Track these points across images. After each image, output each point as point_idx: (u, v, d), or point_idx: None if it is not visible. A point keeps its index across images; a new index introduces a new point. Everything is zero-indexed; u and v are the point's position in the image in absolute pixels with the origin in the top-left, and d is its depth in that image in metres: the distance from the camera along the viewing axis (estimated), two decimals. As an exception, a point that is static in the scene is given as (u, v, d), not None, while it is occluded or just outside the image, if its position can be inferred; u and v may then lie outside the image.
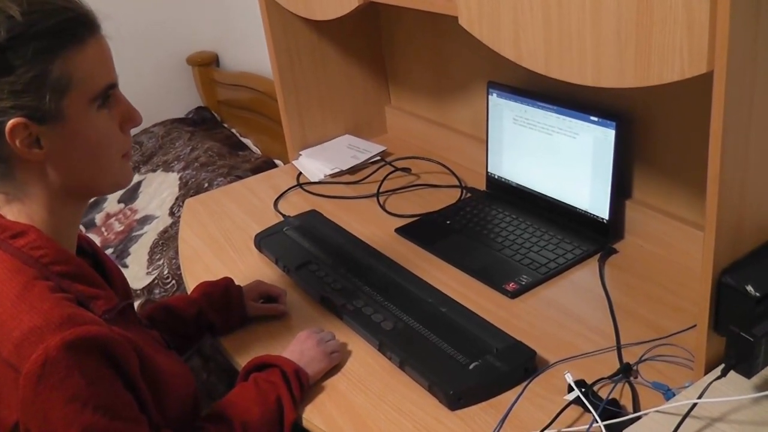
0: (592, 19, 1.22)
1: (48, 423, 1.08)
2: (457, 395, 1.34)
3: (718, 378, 1.14)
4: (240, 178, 2.80)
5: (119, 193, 3.23)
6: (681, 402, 1.14)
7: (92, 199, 3.18)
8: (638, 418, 1.20)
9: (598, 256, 1.73)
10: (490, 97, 1.98)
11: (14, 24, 1.09)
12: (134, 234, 2.93)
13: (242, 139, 3.48)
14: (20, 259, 1.16)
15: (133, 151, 3.48)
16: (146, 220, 2.99)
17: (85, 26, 1.16)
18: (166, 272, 2.53)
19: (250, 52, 3.54)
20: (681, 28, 1.08)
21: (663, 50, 1.12)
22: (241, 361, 1.54)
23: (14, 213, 1.21)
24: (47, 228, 1.21)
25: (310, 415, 1.39)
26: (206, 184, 2.92)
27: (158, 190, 3.12)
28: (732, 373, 1.14)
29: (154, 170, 3.29)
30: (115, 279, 1.37)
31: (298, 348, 1.47)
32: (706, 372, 1.23)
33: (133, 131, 3.49)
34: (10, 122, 1.11)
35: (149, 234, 2.86)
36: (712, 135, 1.08)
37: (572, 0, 1.24)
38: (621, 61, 1.20)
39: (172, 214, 2.91)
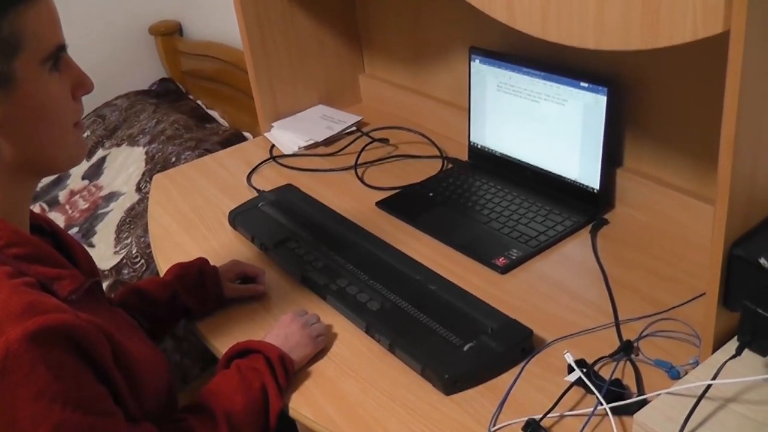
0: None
1: (15, 422, 0.99)
2: (453, 379, 1.27)
3: (733, 357, 1.08)
4: (208, 151, 2.71)
5: (83, 169, 3.13)
6: (693, 383, 1.08)
7: (54, 177, 3.09)
8: (645, 400, 1.14)
9: (589, 227, 1.67)
10: (472, 63, 1.90)
11: None
12: (100, 212, 2.83)
13: (208, 111, 3.39)
14: None
15: (96, 125, 3.37)
16: (112, 196, 2.90)
17: None
18: (134, 251, 2.45)
19: (215, 20, 3.44)
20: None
21: (673, 7, 1.04)
22: (219, 346, 1.47)
23: None
24: None
25: (296, 403, 1.32)
26: (173, 159, 2.83)
27: (124, 165, 3.03)
28: (745, 351, 1.08)
29: (118, 144, 3.19)
30: (78, 257, 1.28)
31: (282, 332, 1.40)
32: (714, 349, 1.17)
33: (95, 104, 3.40)
34: None
35: (115, 212, 2.77)
36: (727, 101, 1.00)
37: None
38: (626, 20, 1.12)
39: (139, 190, 2.82)
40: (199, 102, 3.50)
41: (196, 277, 1.57)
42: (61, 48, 1.11)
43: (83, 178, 3.11)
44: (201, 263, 1.60)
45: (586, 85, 1.63)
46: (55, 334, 1.01)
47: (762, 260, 1.09)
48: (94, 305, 1.19)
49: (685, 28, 1.04)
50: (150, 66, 3.85)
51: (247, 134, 2.93)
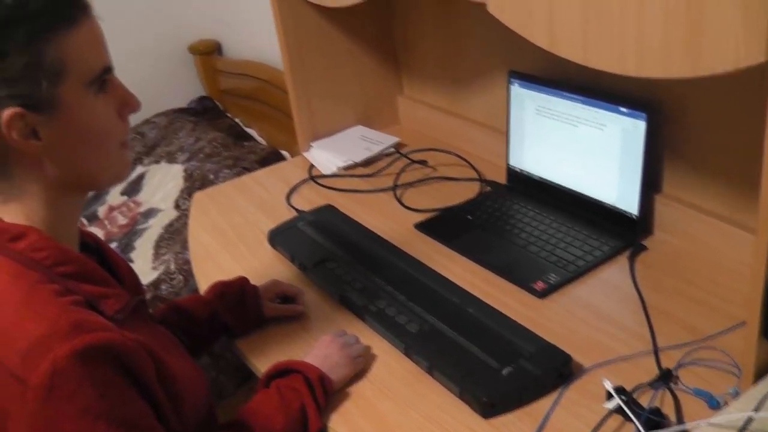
0: None
1: None
2: (491, 402, 1.28)
3: (774, 389, 1.08)
4: (246, 169, 2.74)
5: (122, 185, 3.17)
6: (734, 415, 1.08)
7: (92, 193, 3.13)
8: (685, 430, 1.14)
9: (627, 252, 1.67)
10: (511, 86, 1.91)
11: (3, 6, 1.02)
12: (138, 227, 2.86)
13: (246, 129, 3.43)
14: (22, 263, 1.09)
15: (135, 142, 3.42)
16: (150, 213, 2.93)
17: (77, 6, 1.09)
18: (172, 267, 2.47)
19: (254, 39, 3.48)
20: (734, 8, 1.01)
21: (715, 35, 1.05)
22: (259, 364, 1.48)
23: (11, 213, 1.13)
24: (47, 227, 1.14)
25: (335, 423, 1.33)
26: (211, 176, 2.86)
27: (162, 182, 3.06)
28: (787, 382, 1.09)
29: (157, 162, 3.23)
30: (124, 274, 1.30)
31: (321, 352, 1.41)
32: (755, 380, 1.16)
33: (135, 121, 3.45)
34: (6, 113, 1.04)
35: (154, 228, 2.81)
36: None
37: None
38: (667, 48, 1.12)
39: (177, 207, 2.85)
40: (237, 120, 3.54)
41: (237, 295, 1.59)
42: (107, 70, 1.13)
43: (122, 193, 3.15)
44: (241, 282, 1.62)
45: (625, 110, 1.64)
46: (101, 352, 1.03)
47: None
48: (138, 323, 1.21)
49: (727, 57, 1.04)
50: (189, 84, 3.90)
51: (284, 153, 2.96)
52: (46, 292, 1.06)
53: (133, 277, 1.36)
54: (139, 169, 3.24)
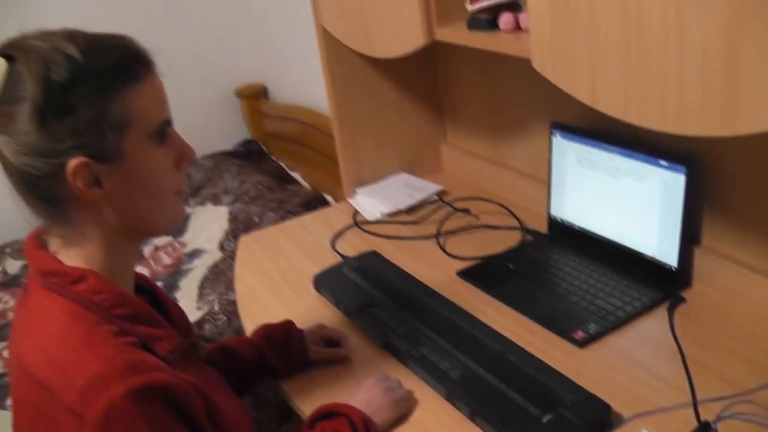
0: (677, 57, 1.18)
1: None
2: (531, 450, 1.31)
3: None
4: (290, 212, 2.80)
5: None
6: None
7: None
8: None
9: (666, 304, 1.69)
10: (553, 137, 1.96)
11: (74, 64, 1.09)
12: (183, 268, 2.92)
13: (291, 172, 3.50)
14: (81, 305, 1.15)
15: (182, 185, 3.48)
16: (195, 254, 2.99)
17: (141, 64, 1.16)
18: (216, 308, 2.52)
19: (300, 84, 3.56)
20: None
21: (752, 96, 1.09)
22: (302, 406, 1.52)
23: (72, 257, 1.19)
24: (105, 270, 1.19)
25: (378, 466, 1.36)
26: (256, 218, 2.92)
27: (207, 224, 3.13)
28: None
29: (202, 203, 3.30)
30: (174, 316, 1.36)
31: (365, 396, 1.45)
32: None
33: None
34: (73, 162, 1.10)
35: (199, 268, 2.86)
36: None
37: (654, 39, 1.21)
38: (705, 107, 1.16)
39: (222, 248, 2.91)
40: (281, 163, 3.61)
41: (283, 338, 1.63)
42: (167, 123, 1.20)
43: (167, 234, 3.22)
44: (287, 325, 1.67)
45: (665, 163, 1.67)
46: (154, 391, 1.08)
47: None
48: (188, 363, 1.26)
49: (761, 119, 1.08)
50: (235, 127, 3.99)
51: (327, 197, 3.01)
52: (104, 333, 1.12)
53: (184, 318, 1.41)
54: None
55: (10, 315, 2.88)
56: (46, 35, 1.10)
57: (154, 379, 1.08)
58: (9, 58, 1.08)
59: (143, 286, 1.35)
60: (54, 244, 1.21)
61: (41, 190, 1.13)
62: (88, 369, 1.07)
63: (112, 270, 1.21)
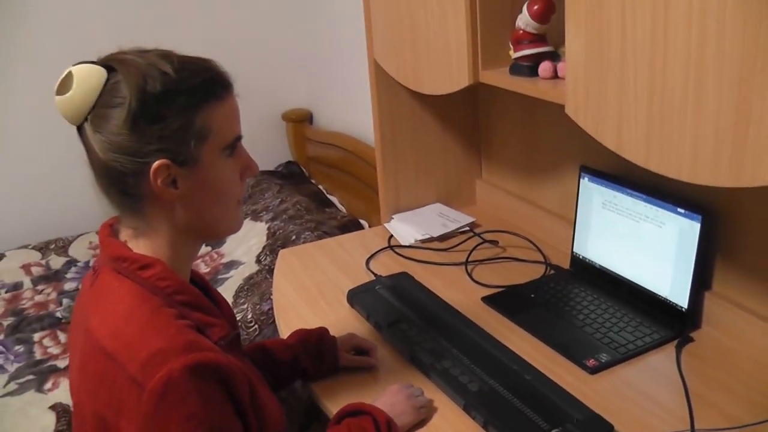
0: (693, 115, 1.32)
1: None
2: (538, 459, 1.43)
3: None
4: (327, 234, 2.91)
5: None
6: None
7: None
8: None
9: (675, 342, 1.80)
10: (581, 180, 2.09)
11: (168, 80, 1.25)
12: (219, 277, 3.05)
13: (329, 196, 3.61)
14: (147, 289, 1.29)
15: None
16: (232, 265, 3.11)
17: (223, 85, 1.32)
18: (249, 316, 2.63)
19: (344, 112, 3.70)
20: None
21: (758, 153, 1.22)
22: (330, 406, 1.64)
23: (141, 246, 1.35)
24: (169, 262, 1.34)
25: (397, 464, 1.49)
26: (293, 237, 3.03)
27: (246, 238, 3.24)
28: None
29: (243, 218, 3.41)
30: (223, 310, 1.50)
31: (390, 400, 1.57)
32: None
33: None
34: (156, 163, 1.26)
35: (235, 278, 2.98)
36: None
37: (675, 97, 1.35)
38: (716, 160, 1.30)
39: (258, 261, 3.02)
40: (320, 187, 3.73)
41: (317, 343, 1.77)
42: (238, 138, 1.36)
43: (206, 244, 3.35)
44: (322, 331, 1.80)
45: (682, 211, 1.80)
46: (209, 369, 1.22)
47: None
48: (235, 353, 1.39)
49: (764, 173, 1.21)
50: (279, 149, 4.13)
51: (363, 222, 3.12)
52: (167, 314, 1.26)
53: (231, 312, 1.56)
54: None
55: (52, 306, 3.04)
56: (143, 52, 1.27)
57: (209, 358, 1.22)
58: (110, 69, 1.24)
59: (198, 282, 1.49)
60: (125, 234, 1.36)
61: (124, 184, 1.28)
62: (152, 344, 1.21)
63: (174, 262, 1.36)
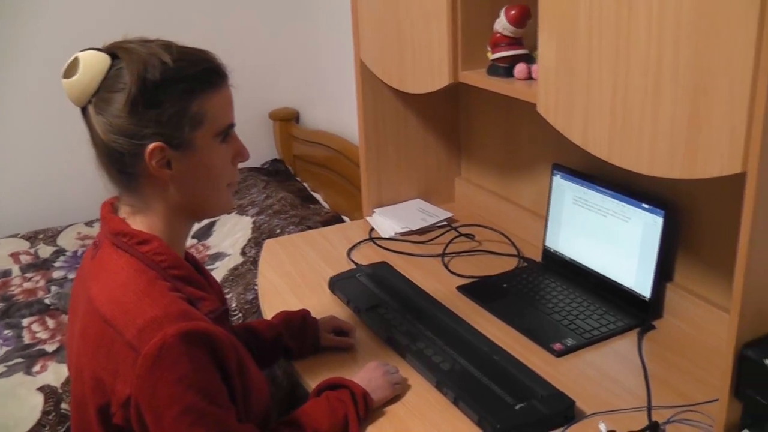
0: (651, 115, 1.43)
1: (156, 398, 1.28)
2: (503, 430, 1.52)
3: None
4: (310, 228, 2.98)
5: (194, 228, 3.43)
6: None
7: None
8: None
9: (637, 330, 1.91)
10: (554, 177, 2.20)
11: (167, 69, 1.35)
12: (206, 268, 3.12)
13: (313, 193, 3.71)
14: (145, 262, 1.39)
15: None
16: (218, 256, 3.19)
17: (219, 75, 1.43)
18: (234, 305, 2.71)
19: (330, 112, 3.79)
20: (724, 131, 1.29)
21: (708, 148, 1.33)
22: (311, 383, 1.73)
23: (138, 223, 1.44)
24: (164, 238, 1.44)
25: (371, 433, 1.59)
26: (278, 231, 3.10)
27: (232, 231, 3.32)
28: (746, 432, 1.33)
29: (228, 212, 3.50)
30: (213, 286, 1.60)
31: (367, 375, 1.67)
32: (725, 432, 1.41)
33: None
34: (151, 145, 1.35)
35: (220, 269, 3.06)
36: (743, 228, 1.27)
37: (635, 99, 1.46)
38: (672, 154, 1.41)
39: (243, 253, 3.10)
40: (305, 184, 3.83)
41: (299, 323, 1.86)
42: (231, 126, 1.46)
43: (193, 236, 3.42)
44: (304, 313, 1.90)
45: (646, 206, 1.91)
46: (200, 337, 1.31)
47: (766, 360, 1.33)
48: (224, 326, 1.49)
49: (715, 166, 1.32)
50: (265, 146, 4.20)
51: (345, 218, 3.21)
52: (162, 286, 1.36)
53: (220, 290, 1.66)
54: (210, 218, 3.51)
55: (41, 293, 3.10)
56: (145, 42, 1.37)
57: (201, 327, 1.32)
58: (114, 56, 1.34)
59: (189, 259, 1.58)
60: (124, 212, 1.46)
61: (122, 164, 1.38)
62: (147, 312, 1.30)
63: (170, 239, 1.46)
